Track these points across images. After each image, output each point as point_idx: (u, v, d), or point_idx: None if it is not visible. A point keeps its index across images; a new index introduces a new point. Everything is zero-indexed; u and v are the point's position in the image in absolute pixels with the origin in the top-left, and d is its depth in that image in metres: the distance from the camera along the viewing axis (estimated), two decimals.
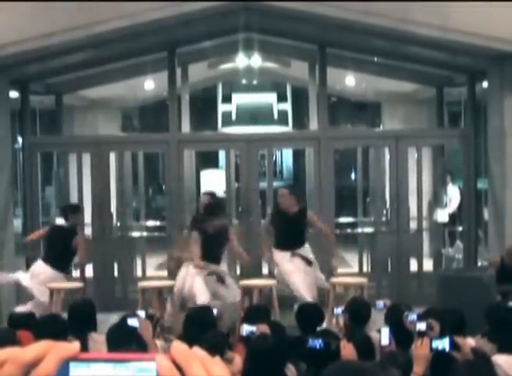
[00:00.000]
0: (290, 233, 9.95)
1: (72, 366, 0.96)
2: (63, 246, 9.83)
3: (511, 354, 5.52)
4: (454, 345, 4.96)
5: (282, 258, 9.90)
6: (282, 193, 10.07)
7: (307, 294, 9.48)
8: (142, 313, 6.83)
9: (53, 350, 0.96)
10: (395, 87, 14.66)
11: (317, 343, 5.28)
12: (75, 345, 0.98)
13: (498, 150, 10.81)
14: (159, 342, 6.40)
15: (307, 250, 10.05)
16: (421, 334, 5.80)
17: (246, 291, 9.54)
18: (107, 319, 8.42)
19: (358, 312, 6.87)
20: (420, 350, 4.84)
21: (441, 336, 5.05)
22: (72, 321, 6.55)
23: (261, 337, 5.33)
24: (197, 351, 0.99)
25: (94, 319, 6.86)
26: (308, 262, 9.88)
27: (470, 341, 5.87)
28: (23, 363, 0.95)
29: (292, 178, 20.63)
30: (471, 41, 10.04)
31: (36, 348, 0.96)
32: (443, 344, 4.90)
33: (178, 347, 0.98)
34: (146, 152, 13.82)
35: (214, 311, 6.85)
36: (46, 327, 5.96)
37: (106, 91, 14.22)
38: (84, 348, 5.92)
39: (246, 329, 5.99)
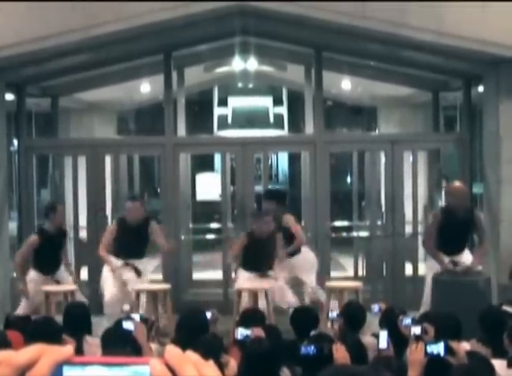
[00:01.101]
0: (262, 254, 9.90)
1: (65, 369, 0.96)
2: (52, 251, 9.88)
3: (504, 359, 5.52)
4: (449, 350, 4.96)
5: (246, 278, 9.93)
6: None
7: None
8: (136, 317, 6.83)
9: (47, 353, 0.96)
10: (391, 91, 14.67)
11: (310, 350, 5.30)
12: (69, 349, 0.98)
13: (493, 154, 10.83)
14: (153, 346, 6.39)
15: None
16: (416, 338, 5.81)
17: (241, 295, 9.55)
18: (101, 323, 8.42)
19: (354, 316, 6.87)
20: (415, 355, 4.84)
21: (436, 340, 5.05)
22: (67, 324, 6.55)
23: (256, 340, 5.33)
24: (190, 355, 0.99)
25: (89, 322, 6.86)
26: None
27: (466, 346, 5.87)
28: (17, 366, 0.95)
29: (287, 182, 20.63)
30: (467, 46, 10.05)
31: (30, 352, 0.96)
32: (438, 348, 4.90)
33: (172, 351, 0.98)
34: (142, 155, 13.84)
35: (208, 315, 6.85)
36: (40, 330, 5.95)
37: (102, 94, 14.21)
38: (79, 351, 5.94)
39: (241, 333, 5.99)
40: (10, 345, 5.91)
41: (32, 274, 9.96)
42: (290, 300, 9.72)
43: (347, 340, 5.53)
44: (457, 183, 9.85)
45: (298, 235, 10.22)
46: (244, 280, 9.83)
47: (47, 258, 9.89)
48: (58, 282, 9.91)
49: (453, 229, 9.34)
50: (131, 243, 9.71)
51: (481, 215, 10.07)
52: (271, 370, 4.96)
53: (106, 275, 9.86)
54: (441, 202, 12.53)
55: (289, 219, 10.24)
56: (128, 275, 9.68)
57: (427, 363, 4.83)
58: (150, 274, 10.56)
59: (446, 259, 9.29)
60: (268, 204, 10.22)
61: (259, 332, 5.99)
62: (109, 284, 9.75)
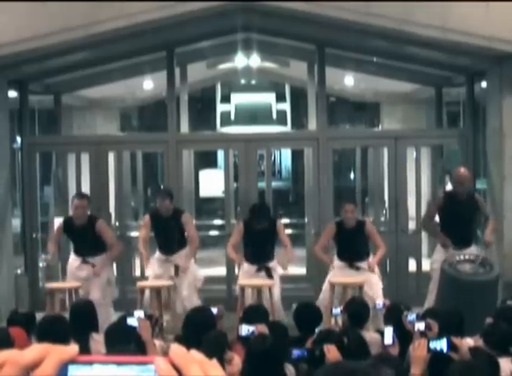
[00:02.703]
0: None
1: (71, 368, 0.96)
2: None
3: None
4: (452, 346, 4.95)
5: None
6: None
7: None
8: (140, 313, 6.84)
9: (52, 353, 0.96)
10: (394, 87, 14.66)
11: (300, 353, 5.32)
12: (74, 348, 0.98)
13: (496, 150, 10.82)
14: (157, 342, 6.39)
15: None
16: (421, 334, 5.82)
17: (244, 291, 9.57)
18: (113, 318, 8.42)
19: (357, 313, 6.88)
20: (418, 351, 4.83)
21: (439, 337, 5.05)
22: (74, 322, 6.55)
23: (259, 337, 5.33)
24: (195, 354, 0.99)
25: (95, 319, 6.87)
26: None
27: (469, 342, 5.87)
28: (22, 366, 0.95)
29: (290, 179, 20.63)
30: (470, 42, 10.04)
31: (35, 351, 0.96)
32: (441, 345, 4.89)
33: (177, 350, 0.98)
34: (145, 152, 13.84)
35: (214, 311, 6.85)
36: (50, 329, 5.95)
37: (104, 91, 14.22)
38: (86, 348, 5.94)
39: (244, 329, 6.00)
40: (13, 342, 5.92)
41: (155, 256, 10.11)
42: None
43: (348, 336, 5.54)
44: (462, 168, 9.88)
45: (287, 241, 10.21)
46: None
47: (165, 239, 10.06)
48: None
49: (457, 213, 9.43)
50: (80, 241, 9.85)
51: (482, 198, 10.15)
52: (274, 366, 4.96)
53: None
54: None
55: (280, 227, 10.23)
56: (84, 273, 9.70)
57: (430, 360, 4.83)
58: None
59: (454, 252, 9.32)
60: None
61: (263, 328, 6.00)
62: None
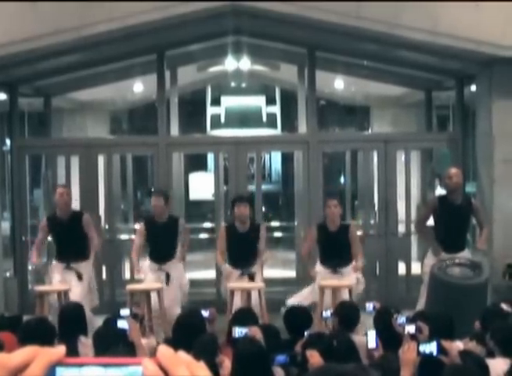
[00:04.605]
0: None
1: (58, 370, 0.95)
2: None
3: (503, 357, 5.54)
4: (441, 349, 4.96)
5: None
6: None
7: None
8: (126, 312, 6.83)
9: (40, 355, 0.95)
10: (384, 90, 14.69)
11: (282, 359, 5.33)
12: (61, 349, 0.97)
13: (486, 153, 10.85)
14: (144, 341, 6.38)
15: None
16: (411, 336, 5.82)
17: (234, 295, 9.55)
18: (96, 322, 8.40)
19: (347, 316, 6.88)
20: (408, 354, 4.84)
21: (429, 340, 5.06)
22: (62, 325, 6.53)
23: (247, 340, 5.33)
24: (183, 355, 0.99)
25: (84, 322, 6.85)
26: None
27: (459, 345, 5.88)
28: (10, 369, 0.94)
29: (281, 182, 20.63)
30: (460, 46, 10.07)
31: (22, 354, 0.96)
32: (430, 348, 4.90)
33: (164, 351, 0.98)
34: (135, 155, 13.82)
35: (206, 314, 6.84)
36: (34, 331, 5.94)
37: (95, 93, 14.20)
38: (74, 351, 5.93)
39: (238, 331, 6.00)
40: (2, 346, 5.90)
41: (146, 263, 9.95)
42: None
43: (339, 339, 5.54)
44: (454, 168, 9.86)
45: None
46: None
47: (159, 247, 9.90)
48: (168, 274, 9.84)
49: (451, 218, 9.39)
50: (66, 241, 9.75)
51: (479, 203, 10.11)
52: (262, 369, 4.96)
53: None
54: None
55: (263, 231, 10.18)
56: (68, 279, 9.64)
57: (420, 363, 4.83)
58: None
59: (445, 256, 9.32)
60: (243, 208, 10.05)
61: (256, 331, 6.00)
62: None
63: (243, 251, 9.72)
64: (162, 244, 9.83)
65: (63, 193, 9.66)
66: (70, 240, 9.62)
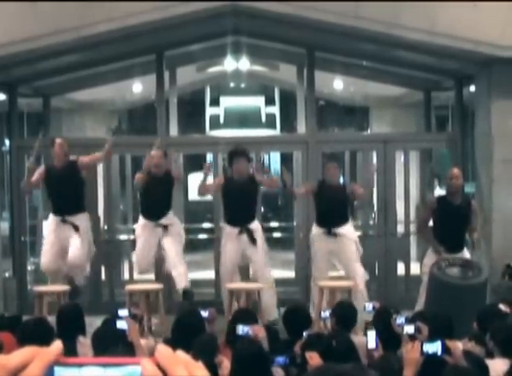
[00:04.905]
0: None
1: (57, 370, 0.96)
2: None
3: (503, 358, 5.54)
4: (445, 349, 4.95)
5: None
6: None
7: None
8: (124, 312, 6.83)
9: (39, 355, 0.96)
10: (383, 91, 14.69)
11: (282, 361, 5.33)
12: (58, 345, 0.97)
13: (485, 154, 10.86)
14: (143, 341, 6.38)
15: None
16: (411, 337, 5.82)
17: (233, 295, 9.54)
18: (95, 323, 8.40)
19: (345, 316, 6.87)
20: (411, 354, 4.83)
21: (433, 340, 5.05)
22: (60, 325, 6.53)
23: (246, 341, 5.33)
24: (181, 354, 0.99)
25: (82, 322, 6.85)
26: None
27: (458, 345, 5.88)
28: (9, 370, 0.95)
29: (280, 182, 20.57)
30: (458, 46, 10.08)
31: (21, 354, 0.96)
32: (434, 348, 4.89)
33: (163, 350, 0.98)
34: (134, 155, 13.80)
35: (205, 314, 6.84)
36: (33, 331, 5.94)
37: (94, 93, 14.19)
38: (73, 351, 5.93)
39: (241, 329, 6.00)
40: (2, 346, 5.90)
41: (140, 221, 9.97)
42: (267, 276, 9.76)
43: (338, 340, 5.54)
44: (456, 169, 9.87)
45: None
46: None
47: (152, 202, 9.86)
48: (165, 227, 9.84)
49: (451, 218, 9.39)
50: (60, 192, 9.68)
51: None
52: (262, 370, 4.96)
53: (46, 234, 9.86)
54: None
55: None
56: (64, 232, 9.63)
57: (424, 363, 4.83)
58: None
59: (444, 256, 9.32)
60: (241, 163, 9.98)
61: (259, 330, 6.01)
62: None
63: (240, 205, 9.68)
64: (157, 200, 9.81)
65: (63, 144, 9.71)
66: (65, 190, 9.57)
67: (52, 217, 9.76)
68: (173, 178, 9.96)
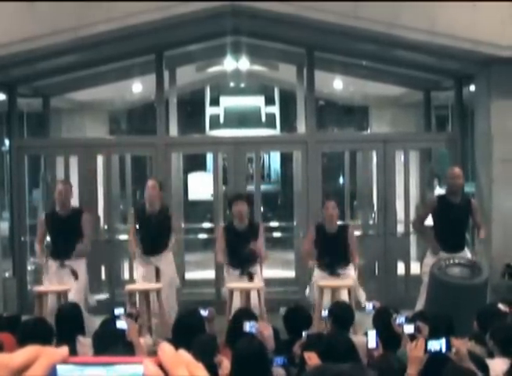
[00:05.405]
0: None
1: (60, 369, 0.96)
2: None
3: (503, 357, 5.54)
4: (450, 347, 4.95)
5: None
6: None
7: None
8: (120, 311, 6.84)
9: (43, 355, 0.96)
10: (383, 91, 14.69)
11: (281, 361, 5.34)
12: (64, 350, 0.98)
13: (485, 153, 10.86)
14: (142, 340, 6.38)
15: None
16: (410, 336, 5.83)
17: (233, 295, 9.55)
18: (94, 323, 8.40)
19: (341, 316, 6.87)
20: (415, 352, 4.83)
21: (438, 337, 5.04)
22: (59, 325, 6.53)
23: (246, 340, 5.33)
24: (184, 354, 0.99)
25: (81, 322, 6.85)
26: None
27: (463, 343, 5.88)
28: (13, 369, 0.95)
29: (279, 182, 20.63)
30: (458, 46, 10.08)
31: (25, 354, 0.96)
32: (438, 345, 4.88)
33: (166, 349, 0.99)
34: (134, 155, 13.81)
35: (205, 313, 6.85)
36: (32, 331, 5.94)
37: (93, 94, 14.19)
38: (72, 351, 5.93)
39: (249, 325, 6.02)
40: (1, 346, 5.90)
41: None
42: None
43: (336, 339, 5.54)
44: (457, 168, 9.87)
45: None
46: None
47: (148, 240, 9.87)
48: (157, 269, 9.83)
49: (451, 218, 9.39)
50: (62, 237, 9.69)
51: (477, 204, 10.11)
52: (262, 369, 4.96)
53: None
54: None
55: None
56: (62, 277, 9.62)
57: (428, 360, 4.83)
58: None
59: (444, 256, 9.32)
60: (241, 206, 10.01)
61: (266, 327, 6.02)
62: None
63: (241, 250, 9.72)
64: (154, 236, 9.81)
65: (63, 190, 9.65)
66: (67, 236, 9.58)
67: (51, 261, 9.74)
68: (170, 215, 10.01)
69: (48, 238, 10.02)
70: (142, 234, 9.95)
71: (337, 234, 9.68)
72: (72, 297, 9.23)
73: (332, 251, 9.60)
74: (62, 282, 9.54)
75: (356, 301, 9.21)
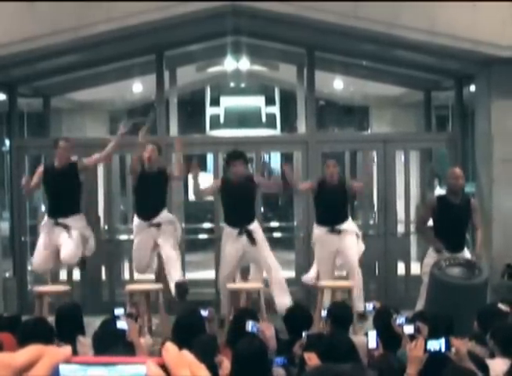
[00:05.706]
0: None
1: (63, 369, 0.96)
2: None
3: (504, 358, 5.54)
4: (450, 347, 4.95)
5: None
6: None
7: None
8: (120, 311, 6.84)
9: (46, 354, 0.96)
10: (383, 91, 14.70)
11: (280, 361, 5.34)
12: (67, 350, 0.98)
13: (485, 153, 10.86)
14: (142, 340, 6.39)
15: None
16: (410, 337, 5.83)
17: (234, 295, 9.54)
18: (95, 323, 8.40)
19: (339, 316, 6.87)
20: (415, 351, 4.83)
21: (437, 337, 5.04)
22: (59, 325, 6.53)
23: (246, 341, 5.33)
24: (187, 354, 0.99)
25: (81, 322, 6.85)
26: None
27: (464, 343, 5.88)
28: (16, 368, 0.95)
29: (280, 184, 20.57)
30: (458, 46, 10.08)
31: (28, 353, 0.96)
32: (438, 345, 4.88)
33: (170, 349, 0.99)
34: None
35: (205, 313, 6.85)
36: (33, 331, 5.94)
37: (94, 94, 14.19)
38: (73, 351, 5.93)
39: (251, 325, 6.02)
40: (1, 346, 5.90)
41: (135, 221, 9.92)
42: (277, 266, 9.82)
43: (336, 339, 5.54)
44: (458, 169, 9.88)
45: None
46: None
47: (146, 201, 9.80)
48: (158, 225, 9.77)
49: (451, 218, 9.38)
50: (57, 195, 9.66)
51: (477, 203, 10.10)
52: (262, 369, 4.96)
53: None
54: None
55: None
56: (57, 236, 9.61)
57: (428, 360, 4.83)
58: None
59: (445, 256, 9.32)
60: (239, 166, 9.96)
61: (268, 327, 6.02)
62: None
63: (239, 207, 9.67)
64: (151, 197, 9.74)
65: (67, 148, 9.64)
66: (61, 192, 9.54)
67: (46, 219, 9.75)
68: (167, 176, 9.90)
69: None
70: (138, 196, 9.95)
71: (337, 188, 9.84)
72: (64, 253, 9.28)
73: (332, 207, 9.77)
74: (55, 239, 9.55)
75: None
